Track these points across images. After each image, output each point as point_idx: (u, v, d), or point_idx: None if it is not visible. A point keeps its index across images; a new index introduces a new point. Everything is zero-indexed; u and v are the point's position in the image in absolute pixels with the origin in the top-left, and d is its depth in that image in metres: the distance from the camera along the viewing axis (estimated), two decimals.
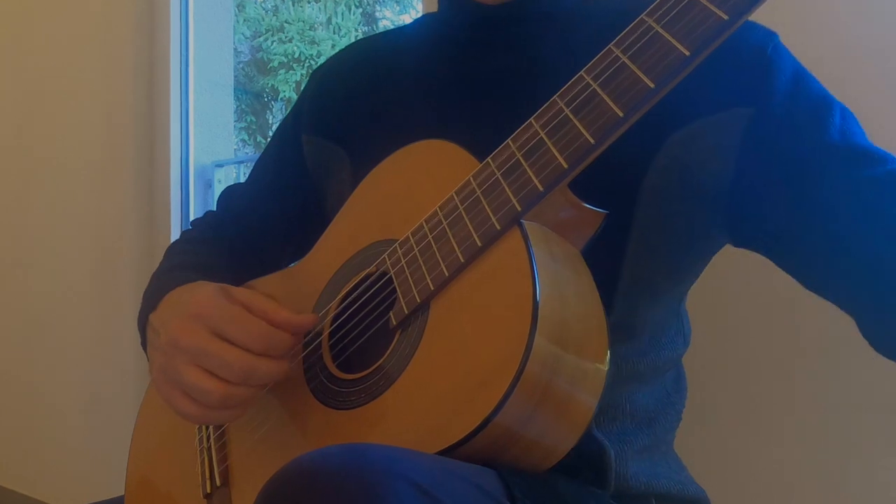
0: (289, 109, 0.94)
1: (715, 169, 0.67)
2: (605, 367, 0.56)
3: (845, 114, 0.65)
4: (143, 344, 0.78)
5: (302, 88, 0.94)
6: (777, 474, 1.05)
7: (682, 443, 0.80)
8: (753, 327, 1.01)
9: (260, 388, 0.63)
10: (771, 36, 0.68)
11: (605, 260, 0.59)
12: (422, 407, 0.56)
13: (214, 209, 0.98)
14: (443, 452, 0.52)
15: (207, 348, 0.61)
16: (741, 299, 0.96)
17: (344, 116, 0.84)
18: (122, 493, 0.84)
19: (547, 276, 0.54)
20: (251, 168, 0.98)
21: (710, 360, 0.98)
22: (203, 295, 0.66)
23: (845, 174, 0.62)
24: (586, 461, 0.65)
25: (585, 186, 0.59)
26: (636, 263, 0.69)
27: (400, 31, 0.90)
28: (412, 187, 0.69)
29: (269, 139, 0.99)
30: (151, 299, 0.76)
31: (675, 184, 0.68)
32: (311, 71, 0.97)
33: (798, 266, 0.67)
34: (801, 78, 0.67)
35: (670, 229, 0.69)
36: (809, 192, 0.63)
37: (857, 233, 0.60)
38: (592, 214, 0.61)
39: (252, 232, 0.92)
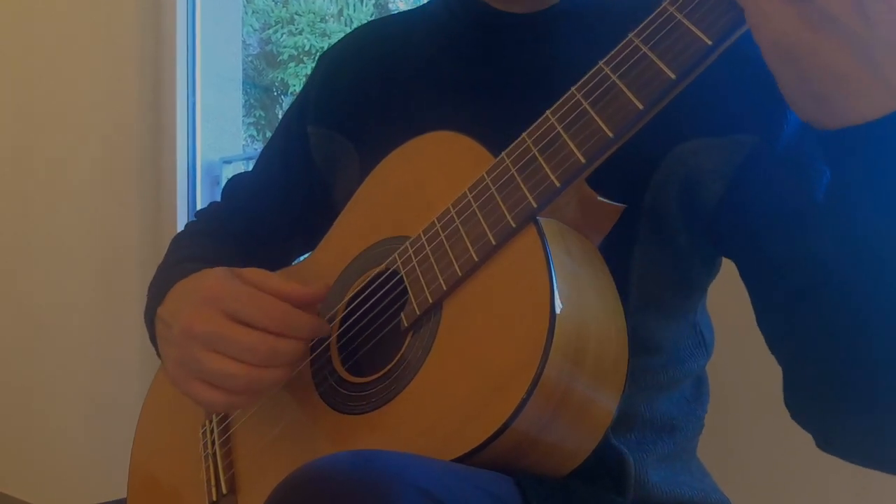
0: (296, 96, 0.91)
1: (710, 188, 0.65)
2: (625, 367, 0.54)
3: None
4: (152, 338, 0.76)
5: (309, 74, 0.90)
6: (803, 482, 1.03)
7: (706, 450, 0.78)
8: None
9: (286, 370, 0.61)
10: None
11: (612, 278, 0.57)
12: (435, 412, 0.54)
13: (219, 200, 0.97)
14: (458, 459, 0.51)
15: (225, 333, 0.60)
16: None
17: (352, 107, 0.82)
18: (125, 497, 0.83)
19: (564, 276, 0.52)
20: (257, 157, 0.96)
21: (733, 366, 0.96)
22: (212, 279, 0.64)
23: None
24: (605, 469, 0.64)
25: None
26: (643, 281, 0.68)
27: (411, 15, 0.86)
28: (423, 181, 0.67)
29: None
30: (158, 293, 0.74)
31: (674, 199, 0.66)
32: None
33: (752, 294, 0.65)
34: None
35: (673, 244, 0.68)
36: (780, 241, 0.61)
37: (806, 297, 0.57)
38: (609, 208, 0.59)
39: (257, 225, 0.91)
